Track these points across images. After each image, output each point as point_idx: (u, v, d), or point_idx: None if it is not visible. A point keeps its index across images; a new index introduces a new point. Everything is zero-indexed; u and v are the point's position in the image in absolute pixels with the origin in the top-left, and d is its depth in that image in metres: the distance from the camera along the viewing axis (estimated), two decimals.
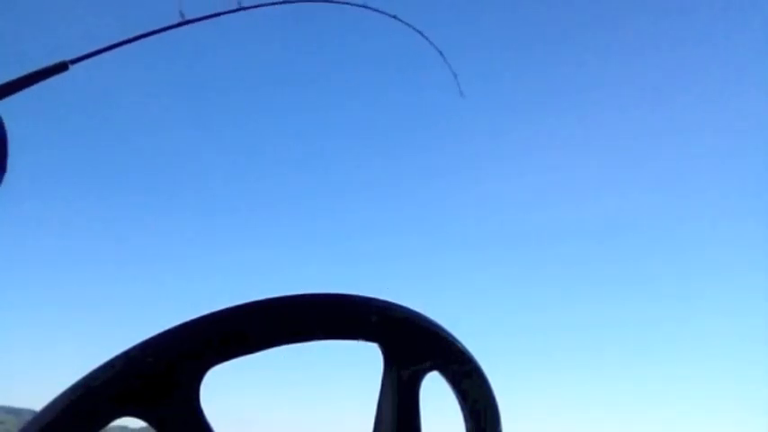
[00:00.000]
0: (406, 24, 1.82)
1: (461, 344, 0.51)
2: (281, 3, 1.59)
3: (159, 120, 26.55)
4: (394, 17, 1.79)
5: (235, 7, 1.49)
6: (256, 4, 1.54)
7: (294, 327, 0.45)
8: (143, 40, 1.33)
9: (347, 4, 1.68)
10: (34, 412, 0.38)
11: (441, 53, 1.92)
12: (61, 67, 1.18)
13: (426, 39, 1.88)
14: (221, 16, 1.48)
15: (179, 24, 1.37)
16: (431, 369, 0.49)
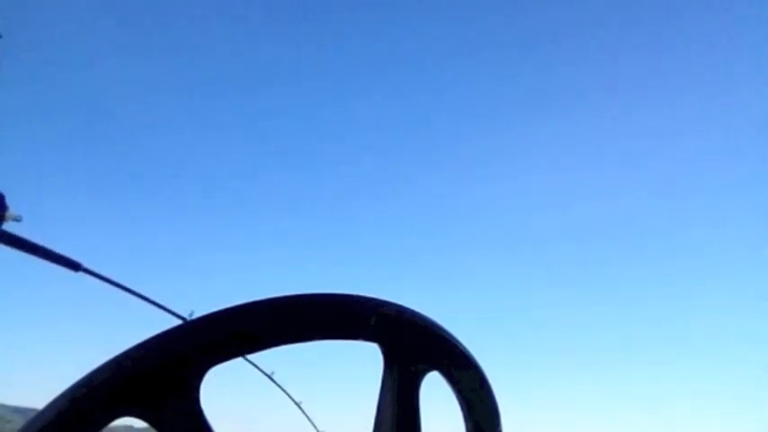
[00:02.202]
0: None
1: (461, 344, 0.51)
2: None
3: (162, 119, 26.53)
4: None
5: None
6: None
7: (294, 327, 0.45)
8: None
9: None
10: None
11: (287, 393, 2.30)
12: (74, 266, 1.27)
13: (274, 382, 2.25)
14: None
15: (181, 317, 1.55)
16: (431, 369, 0.49)
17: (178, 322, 0.42)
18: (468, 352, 0.51)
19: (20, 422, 0.38)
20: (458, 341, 0.51)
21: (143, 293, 1.47)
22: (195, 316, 0.43)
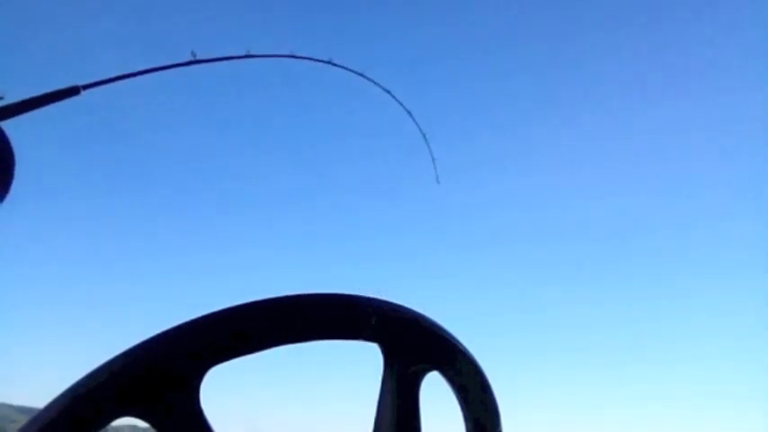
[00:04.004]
0: (375, 83, 1.85)
1: (461, 344, 0.51)
2: (286, 56, 1.68)
3: (164, 121, 26.55)
4: (388, 92, 1.81)
5: (243, 53, 1.57)
6: (264, 53, 1.62)
7: (294, 327, 0.45)
8: (154, 74, 1.39)
9: (347, 69, 1.76)
10: None
11: (409, 113, 1.93)
12: (73, 91, 1.22)
13: (395, 98, 1.91)
14: (230, 61, 1.56)
15: (189, 63, 1.44)
16: (431, 369, 0.49)
17: (178, 322, 0.42)
18: (467, 352, 0.51)
19: (25, 422, 0.38)
20: (458, 341, 0.51)
21: (148, 66, 1.41)
22: (196, 316, 0.43)
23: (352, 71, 1.74)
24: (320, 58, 1.67)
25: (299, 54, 1.65)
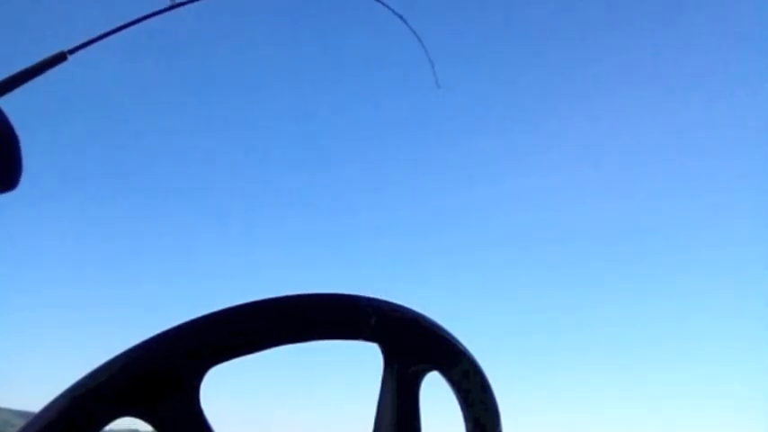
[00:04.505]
0: (388, 8, 1.77)
1: (461, 344, 0.51)
2: None
3: (160, 119, 26.52)
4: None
5: None
6: None
7: (294, 327, 0.45)
8: (139, 26, 1.34)
9: None
10: None
11: (419, 39, 1.86)
12: (60, 58, 1.19)
13: (406, 23, 1.83)
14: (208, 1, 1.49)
15: (170, 8, 1.38)
16: (431, 369, 0.49)
17: (178, 322, 0.42)
18: (467, 352, 0.51)
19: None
20: (458, 341, 0.51)
21: (134, 18, 1.35)
22: (196, 316, 0.43)
23: None
24: None
25: None
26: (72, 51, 1.20)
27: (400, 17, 1.82)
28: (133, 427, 0.43)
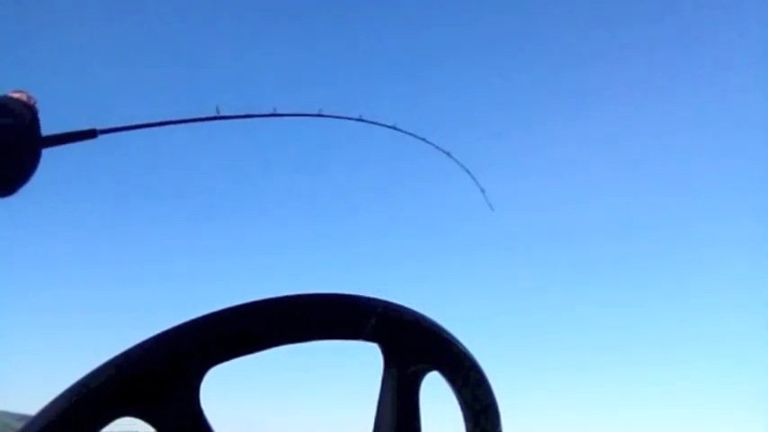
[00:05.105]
0: (436, 147, 1.86)
1: (461, 344, 0.51)
2: (313, 115, 1.63)
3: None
4: (423, 139, 1.83)
5: (269, 112, 1.53)
6: (290, 112, 1.59)
7: (294, 327, 0.45)
8: (174, 126, 1.38)
9: (378, 124, 1.74)
10: None
11: (468, 171, 1.98)
12: (90, 134, 1.25)
13: (454, 159, 1.92)
14: (254, 119, 1.52)
15: (213, 118, 1.41)
16: (431, 369, 0.49)
17: (178, 322, 0.42)
18: (467, 352, 0.51)
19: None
20: (458, 341, 0.51)
21: (168, 118, 1.37)
22: (196, 316, 0.42)
23: (384, 125, 1.75)
24: (349, 116, 1.67)
25: (327, 113, 1.63)
26: (103, 132, 1.25)
27: (447, 154, 1.90)
28: (133, 427, 0.43)
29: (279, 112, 1.54)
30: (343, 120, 1.66)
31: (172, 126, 1.37)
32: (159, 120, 1.37)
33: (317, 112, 1.63)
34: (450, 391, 0.51)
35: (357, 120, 1.71)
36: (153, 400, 0.40)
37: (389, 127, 1.81)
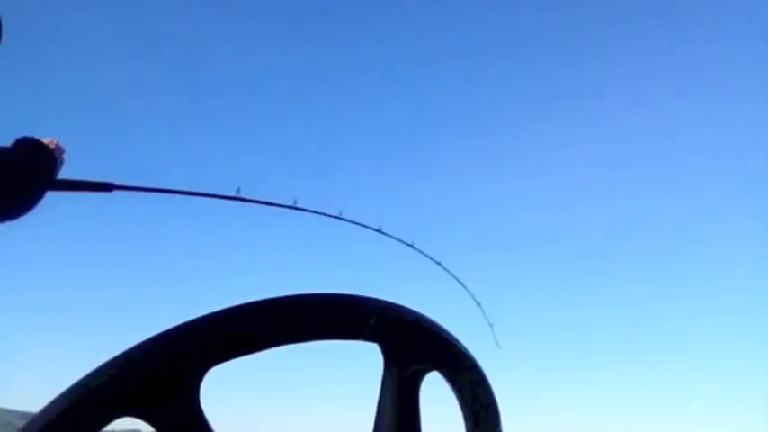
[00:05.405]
0: (424, 255, 1.77)
1: (461, 344, 0.51)
2: (333, 216, 1.59)
3: (167, 119, 26.62)
4: (410, 246, 1.75)
5: (290, 203, 1.51)
6: (310, 208, 1.55)
7: (295, 327, 0.45)
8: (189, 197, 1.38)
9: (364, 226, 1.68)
10: None
11: (461, 283, 1.88)
12: (107, 187, 1.25)
13: (445, 269, 1.84)
14: (273, 207, 1.50)
15: (231, 198, 1.40)
16: (431, 369, 0.49)
17: (178, 322, 0.42)
18: (467, 352, 0.51)
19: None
20: (457, 341, 0.51)
21: (184, 189, 1.37)
22: (196, 316, 0.42)
23: (402, 242, 1.69)
24: (370, 225, 1.62)
25: (347, 217, 1.59)
26: (119, 188, 1.26)
27: (462, 285, 1.86)
28: (134, 426, 0.43)
29: (300, 205, 1.51)
30: (361, 227, 1.61)
31: (187, 196, 1.38)
32: (177, 187, 1.38)
33: (337, 214, 1.59)
34: (450, 391, 0.51)
35: (376, 230, 1.65)
36: (153, 400, 0.40)
37: (408, 244, 1.73)
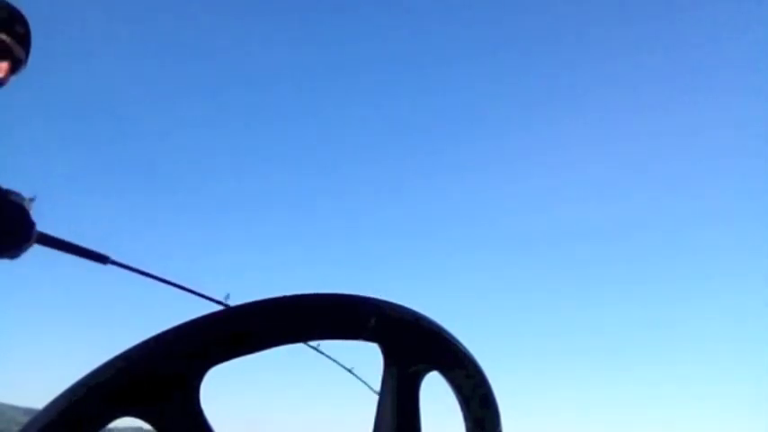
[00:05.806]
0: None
1: (461, 344, 0.51)
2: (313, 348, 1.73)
3: (172, 119, 26.61)
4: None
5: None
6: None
7: (294, 327, 0.45)
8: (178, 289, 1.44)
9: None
10: None
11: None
12: (102, 259, 1.30)
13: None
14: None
15: (218, 302, 1.45)
16: (431, 369, 0.49)
17: (178, 322, 0.42)
18: (467, 352, 0.51)
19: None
20: (458, 341, 0.51)
21: (174, 280, 1.44)
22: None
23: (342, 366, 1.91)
24: (343, 365, 1.86)
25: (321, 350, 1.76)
26: (114, 263, 1.31)
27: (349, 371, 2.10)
28: (137, 424, 0.43)
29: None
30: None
31: (176, 289, 1.45)
32: (170, 278, 1.44)
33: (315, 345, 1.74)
34: (450, 391, 0.51)
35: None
36: (153, 400, 0.40)
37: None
